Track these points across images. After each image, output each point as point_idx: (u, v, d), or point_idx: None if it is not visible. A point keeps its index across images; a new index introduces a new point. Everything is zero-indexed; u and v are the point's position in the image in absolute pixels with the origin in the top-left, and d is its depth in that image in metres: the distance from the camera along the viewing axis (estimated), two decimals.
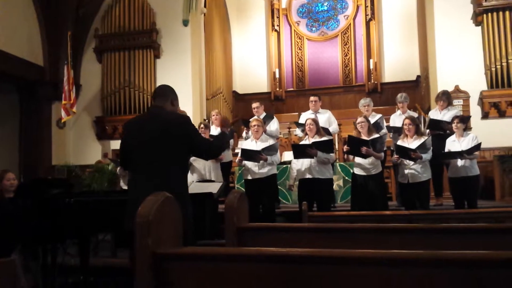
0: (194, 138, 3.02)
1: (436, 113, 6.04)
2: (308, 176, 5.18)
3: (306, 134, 5.37)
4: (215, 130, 6.32)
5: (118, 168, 6.10)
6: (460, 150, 5.17)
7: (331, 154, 5.23)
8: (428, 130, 5.84)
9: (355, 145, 5.14)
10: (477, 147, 5.18)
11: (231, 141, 6.43)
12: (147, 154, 2.91)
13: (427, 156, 5.04)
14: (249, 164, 5.39)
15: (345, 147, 5.26)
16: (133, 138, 3.03)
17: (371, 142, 5.05)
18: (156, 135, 2.91)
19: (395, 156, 5.21)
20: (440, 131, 5.72)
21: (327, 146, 5.17)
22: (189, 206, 2.97)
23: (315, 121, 5.40)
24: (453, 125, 5.36)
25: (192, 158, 5.46)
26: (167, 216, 1.77)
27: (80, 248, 4.70)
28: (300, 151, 5.18)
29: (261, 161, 5.26)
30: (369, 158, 5.12)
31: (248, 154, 5.28)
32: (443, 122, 5.73)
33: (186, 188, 3.07)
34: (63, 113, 8.82)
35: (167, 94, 3.13)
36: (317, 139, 5.25)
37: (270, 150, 5.27)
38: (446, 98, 6.02)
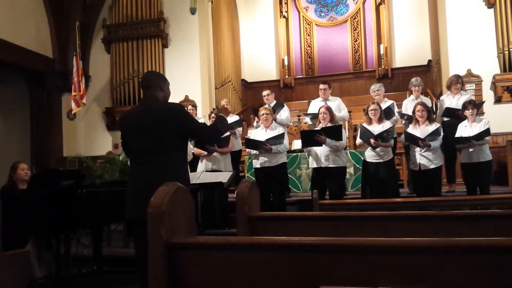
0: (191, 124, 2.98)
1: (448, 98, 5.96)
2: (321, 164, 5.14)
3: (319, 122, 5.29)
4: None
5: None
6: (469, 135, 5.11)
7: (340, 141, 5.06)
8: (442, 118, 5.78)
9: (365, 135, 5.12)
10: (486, 132, 5.12)
11: (239, 129, 6.42)
12: (145, 145, 2.87)
13: (436, 143, 5.00)
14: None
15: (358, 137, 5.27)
16: (130, 130, 2.99)
17: (378, 135, 5.01)
18: (151, 126, 2.86)
19: (402, 139, 5.20)
20: (455, 118, 5.63)
21: (336, 132, 5.04)
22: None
23: (329, 109, 5.30)
24: (466, 110, 5.30)
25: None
26: (179, 205, 1.78)
27: (93, 238, 4.77)
28: (308, 138, 5.11)
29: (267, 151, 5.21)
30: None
31: (252, 144, 5.26)
32: (459, 110, 5.65)
33: (186, 175, 3.05)
34: (73, 105, 8.86)
35: (154, 81, 3.07)
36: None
37: (275, 139, 5.21)
38: (462, 82, 5.98)
